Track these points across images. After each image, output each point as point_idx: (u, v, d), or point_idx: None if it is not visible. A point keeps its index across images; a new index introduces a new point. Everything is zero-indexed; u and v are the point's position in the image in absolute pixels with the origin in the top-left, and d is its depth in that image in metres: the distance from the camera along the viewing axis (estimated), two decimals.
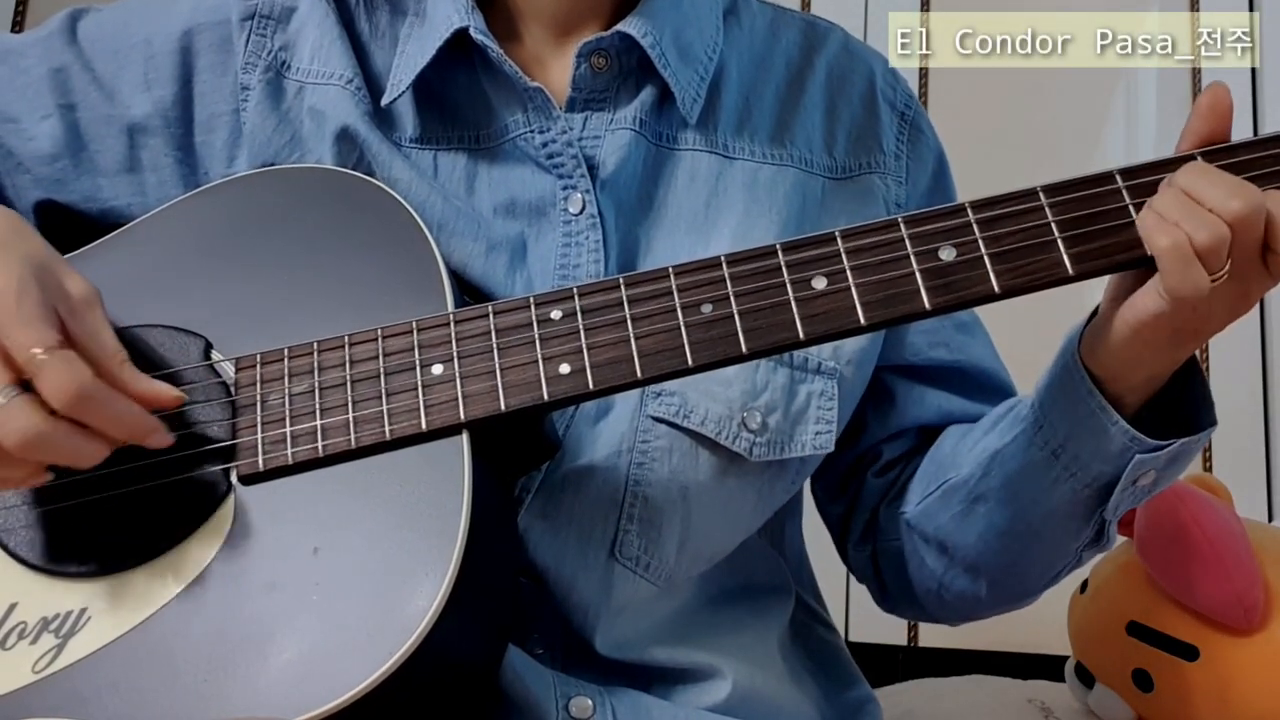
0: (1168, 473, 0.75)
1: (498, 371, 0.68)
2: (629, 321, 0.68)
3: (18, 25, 1.96)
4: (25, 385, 0.62)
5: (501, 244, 0.79)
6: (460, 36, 0.80)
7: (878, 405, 0.88)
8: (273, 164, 0.81)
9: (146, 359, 0.72)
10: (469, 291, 0.77)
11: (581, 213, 0.79)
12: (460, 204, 0.80)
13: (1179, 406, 0.73)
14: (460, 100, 0.83)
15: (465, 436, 0.67)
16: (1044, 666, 1.34)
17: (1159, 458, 0.72)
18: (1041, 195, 0.67)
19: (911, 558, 0.88)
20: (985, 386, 0.90)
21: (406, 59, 0.82)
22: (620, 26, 0.80)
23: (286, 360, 0.70)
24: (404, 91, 0.81)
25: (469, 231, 0.79)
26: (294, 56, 0.83)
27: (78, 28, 0.85)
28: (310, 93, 0.82)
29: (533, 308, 0.69)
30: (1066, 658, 1.25)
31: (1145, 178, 0.67)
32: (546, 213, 0.80)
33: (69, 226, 0.83)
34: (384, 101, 0.82)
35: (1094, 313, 0.72)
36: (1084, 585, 1.22)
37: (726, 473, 0.78)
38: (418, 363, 0.69)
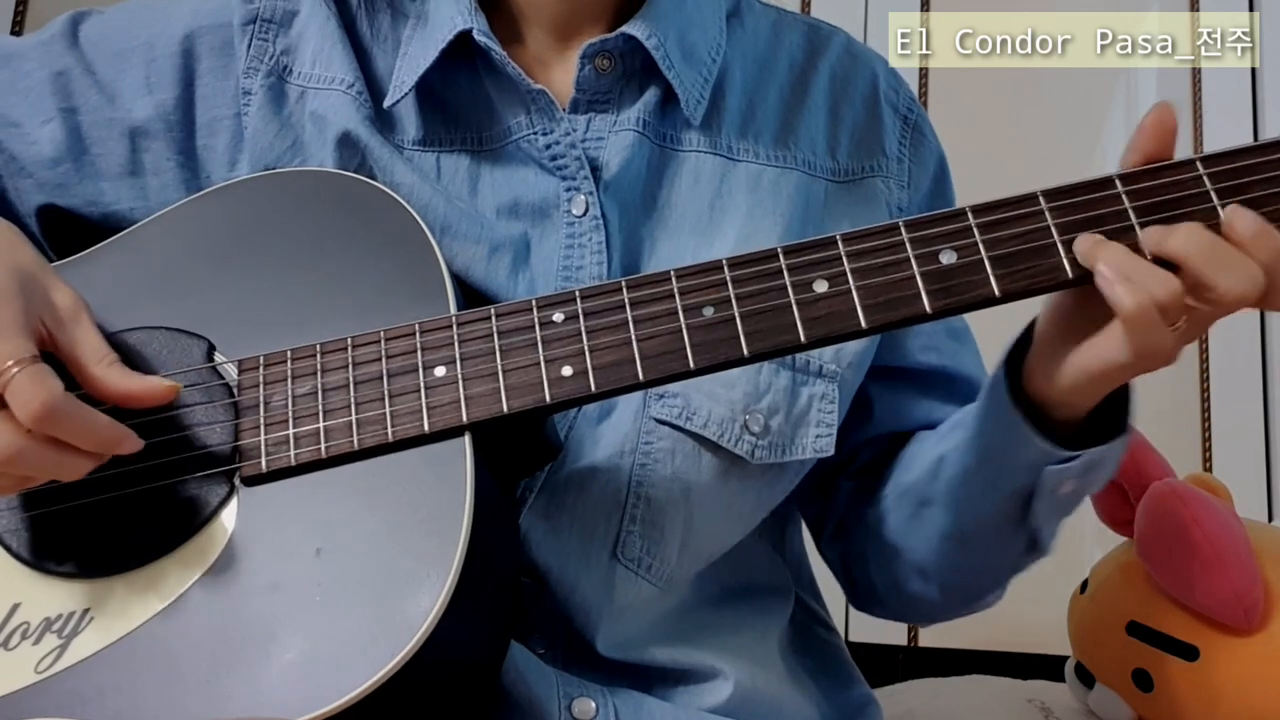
0: (1087, 481, 0.75)
1: (500, 373, 0.68)
2: (631, 324, 0.68)
3: (18, 28, 1.96)
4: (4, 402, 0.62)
5: (504, 245, 0.79)
6: (463, 39, 0.80)
7: (857, 411, 0.88)
8: (274, 168, 0.81)
9: (149, 361, 0.72)
10: (472, 293, 0.78)
11: (585, 214, 0.80)
12: (463, 206, 0.80)
13: (1110, 410, 0.73)
14: (463, 102, 0.83)
15: (467, 438, 0.67)
16: (1044, 666, 1.34)
17: (1071, 469, 0.72)
18: (1042, 199, 0.67)
19: (872, 559, 0.89)
20: (965, 394, 0.89)
21: (409, 61, 0.82)
22: (625, 28, 0.80)
23: (289, 362, 0.70)
24: (406, 94, 0.81)
25: (472, 233, 0.79)
26: (295, 61, 0.83)
27: (79, 31, 0.85)
28: (312, 97, 0.82)
29: (535, 310, 0.69)
30: (1066, 658, 1.25)
31: (1144, 183, 0.67)
32: (550, 214, 0.81)
33: (71, 231, 0.83)
34: (386, 104, 0.82)
35: (1032, 324, 0.72)
36: (1084, 585, 1.22)
37: (728, 474, 0.78)
38: (420, 365, 0.69)
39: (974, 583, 0.86)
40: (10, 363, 0.61)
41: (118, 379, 0.66)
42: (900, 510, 0.84)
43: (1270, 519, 1.67)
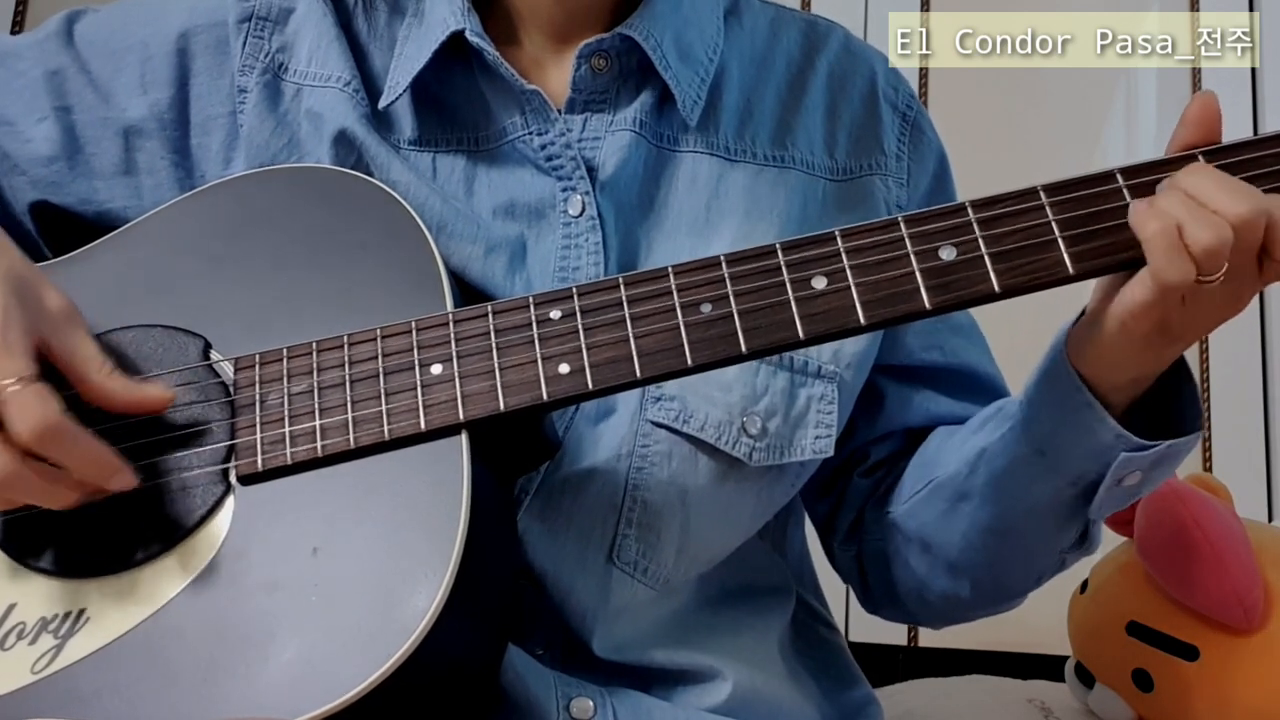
0: (1153, 475, 0.75)
1: (497, 371, 0.68)
2: (628, 321, 0.68)
3: (17, 27, 1.96)
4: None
5: (501, 245, 0.79)
6: (457, 39, 0.80)
7: (867, 407, 0.88)
8: (270, 166, 0.81)
9: (145, 359, 0.72)
10: (468, 293, 0.77)
11: (581, 214, 0.79)
12: (459, 205, 0.80)
13: (1167, 409, 0.73)
14: (458, 102, 0.83)
15: (464, 436, 0.67)
16: (1044, 666, 1.34)
17: (1145, 458, 0.72)
18: (1042, 194, 0.67)
19: (895, 557, 0.88)
20: (976, 388, 0.89)
21: (404, 61, 0.82)
22: (621, 28, 0.80)
23: (285, 360, 0.70)
24: (401, 94, 0.81)
25: (468, 233, 0.79)
26: (291, 58, 0.83)
27: (74, 30, 0.85)
28: (308, 95, 0.82)
29: (532, 307, 0.69)
30: (1066, 658, 1.25)
31: (1145, 177, 0.67)
32: (546, 214, 0.80)
33: (65, 228, 0.83)
34: (381, 104, 0.82)
35: (1083, 312, 0.72)
36: (1084, 585, 1.22)
37: (726, 477, 0.78)
38: (417, 362, 0.69)
39: (1011, 579, 0.85)
40: (10, 380, 0.61)
41: (119, 387, 0.67)
42: (932, 506, 0.83)
43: (1270, 519, 1.66)
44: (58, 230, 0.83)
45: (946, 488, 0.82)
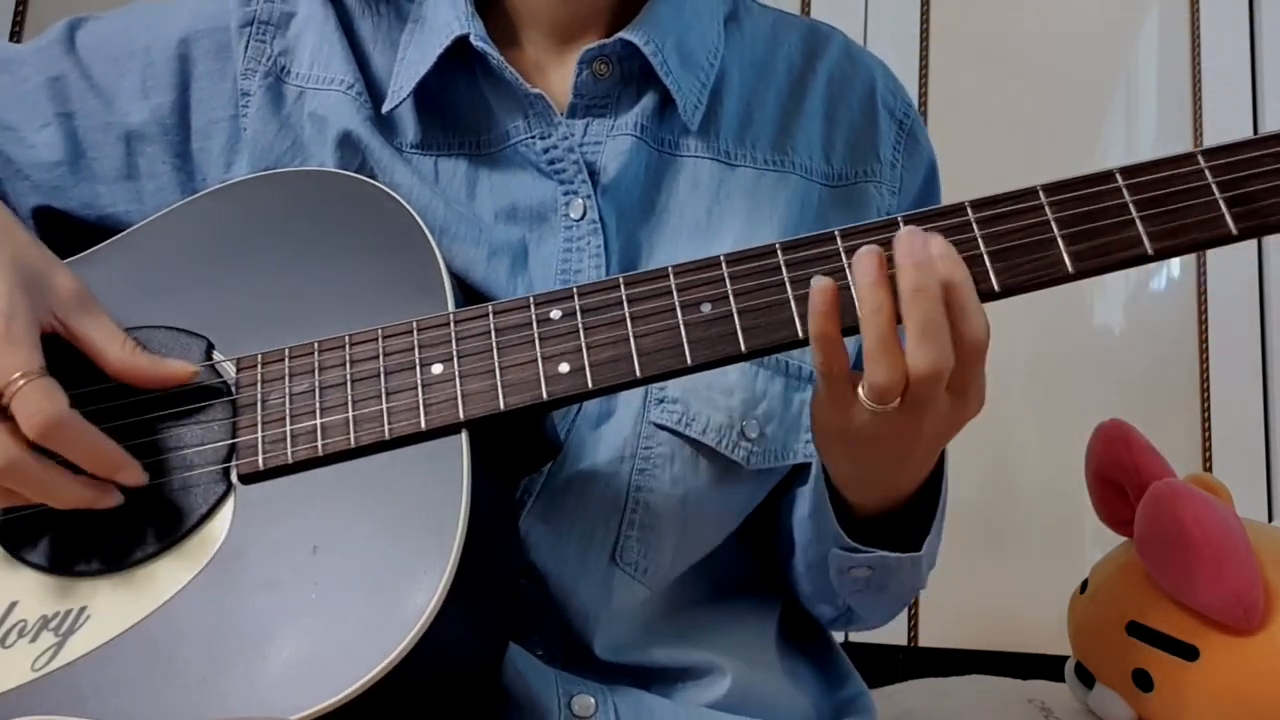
0: (881, 577, 0.77)
1: (497, 371, 0.68)
2: (628, 320, 0.68)
3: (16, 34, 1.95)
4: (5, 410, 0.62)
5: (503, 249, 0.79)
6: (460, 43, 0.80)
7: None
8: (275, 169, 0.81)
9: None
10: (471, 296, 0.78)
11: (583, 218, 0.79)
12: (462, 209, 0.80)
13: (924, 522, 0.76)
14: (461, 106, 0.83)
15: (464, 435, 0.67)
16: (1044, 666, 1.34)
17: (858, 559, 0.75)
18: (1041, 194, 0.67)
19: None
20: None
21: (407, 66, 0.82)
22: (623, 34, 0.80)
23: (287, 360, 0.70)
24: (405, 98, 0.81)
25: (470, 237, 0.79)
26: (293, 62, 0.84)
27: (76, 36, 0.85)
28: (311, 98, 0.82)
29: (532, 307, 0.69)
30: (1066, 658, 1.25)
31: (1145, 176, 0.67)
32: (548, 218, 0.80)
33: (67, 233, 0.83)
34: (385, 109, 0.82)
35: None
36: (1084, 585, 1.22)
37: (722, 479, 0.79)
38: (418, 362, 0.69)
39: (861, 612, 0.87)
40: (17, 375, 0.62)
41: (145, 363, 0.68)
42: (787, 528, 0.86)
43: (1270, 519, 1.66)
44: (60, 234, 0.83)
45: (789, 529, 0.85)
